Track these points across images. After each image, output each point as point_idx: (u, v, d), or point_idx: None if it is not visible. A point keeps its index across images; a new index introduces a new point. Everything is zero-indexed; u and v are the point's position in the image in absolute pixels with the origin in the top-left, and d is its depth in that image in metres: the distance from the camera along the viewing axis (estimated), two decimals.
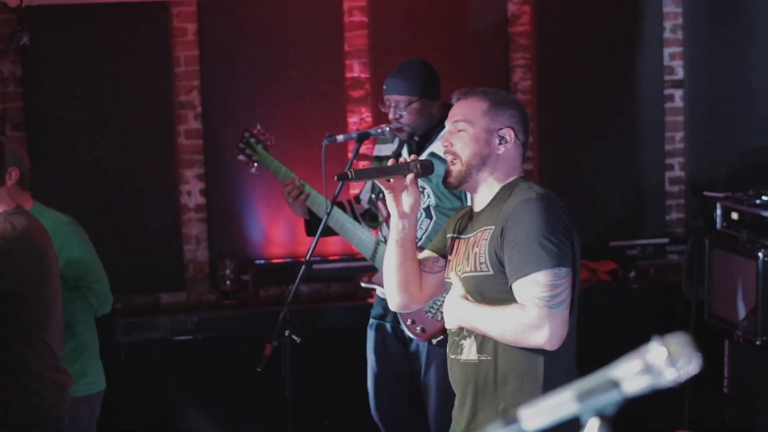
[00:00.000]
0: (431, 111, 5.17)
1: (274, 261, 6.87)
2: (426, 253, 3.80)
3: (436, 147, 5.02)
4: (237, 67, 6.84)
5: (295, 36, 6.88)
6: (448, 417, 5.08)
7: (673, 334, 1.54)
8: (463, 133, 3.55)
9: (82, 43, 6.63)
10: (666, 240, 7.21)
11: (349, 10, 6.96)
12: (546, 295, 3.28)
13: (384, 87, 5.21)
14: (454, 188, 3.63)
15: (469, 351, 3.50)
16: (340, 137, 5.15)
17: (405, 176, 3.58)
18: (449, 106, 5.27)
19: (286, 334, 4.96)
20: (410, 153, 5.20)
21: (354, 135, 5.16)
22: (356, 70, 7.00)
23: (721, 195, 6.38)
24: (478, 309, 3.42)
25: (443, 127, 4.74)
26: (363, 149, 6.52)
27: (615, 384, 1.58)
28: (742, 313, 5.90)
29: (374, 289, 5.43)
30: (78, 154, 6.59)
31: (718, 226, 6.22)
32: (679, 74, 7.40)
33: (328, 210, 5.07)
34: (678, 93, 7.39)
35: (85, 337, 4.75)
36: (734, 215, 6.13)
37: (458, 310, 3.47)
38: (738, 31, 7.31)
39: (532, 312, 3.29)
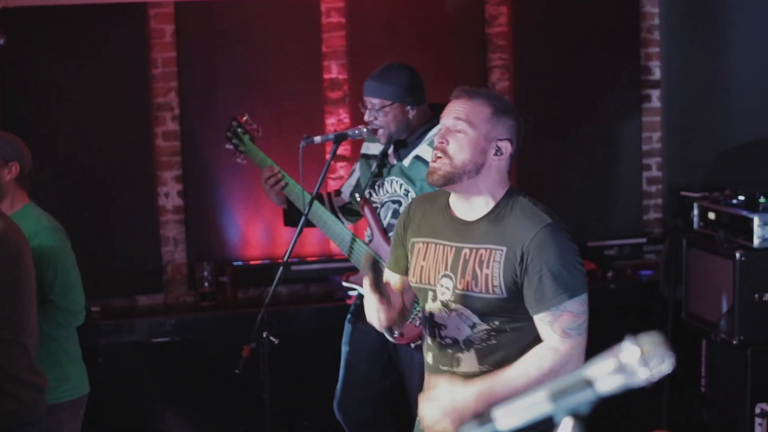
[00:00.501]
0: (407, 116, 5.11)
1: (252, 262, 6.86)
2: (393, 278, 3.73)
3: (422, 150, 5.09)
4: (215, 68, 6.83)
5: (273, 37, 6.87)
6: None
7: (646, 333, 1.54)
8: (462, 135, 3.43)
9: (60, 45, 6.60)
10: (644, 240, 7.23)
11: (327, 12, 6.96)
12: (577, 324, 3.30)
13: (364, 87, 5.18)
14: (439, 187, 3.49)
15: (468, 363, 3.45)
16: (317, 138, 5.15)
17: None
18: (438, 107, 5.28)
19: (264, 335, 4.95)
20: (397, 155, 5.22)
21: (331, 136, 5.16)
22: (334, 71, 7.00)
23: (698, 195, 6.41)
24: (496, 379, 3.30)
25: (428, 129, 5.09)
26: (341, 150, 6.56)
27: (588, 383, 1.58)
28: (719, 312, 5.92)
29: (354, 289, 5.44)
30: (55, 155, 6.57)
31: (696, 225, 6.25)
32: (656, 74, 7.42)
33: (308, 204, 5.08)
34: (655, 93, 7.41)
35: (65, 341, 4.69)
36: (711, 215, 6.15)
37: (470, 400, 3.27)
38: (715, 32, 7.33)
39: (566, 345, 3.30)
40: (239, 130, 5.52)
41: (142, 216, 6.80)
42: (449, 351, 3.49)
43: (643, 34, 7.37)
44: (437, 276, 3.50)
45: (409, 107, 5.10)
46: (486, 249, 3.39)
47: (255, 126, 5.55)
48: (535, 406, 1.61)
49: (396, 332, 5.04)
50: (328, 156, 5.19)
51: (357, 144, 6.62)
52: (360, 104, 5.24)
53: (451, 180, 3.43)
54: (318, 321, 6.58)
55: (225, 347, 5.75)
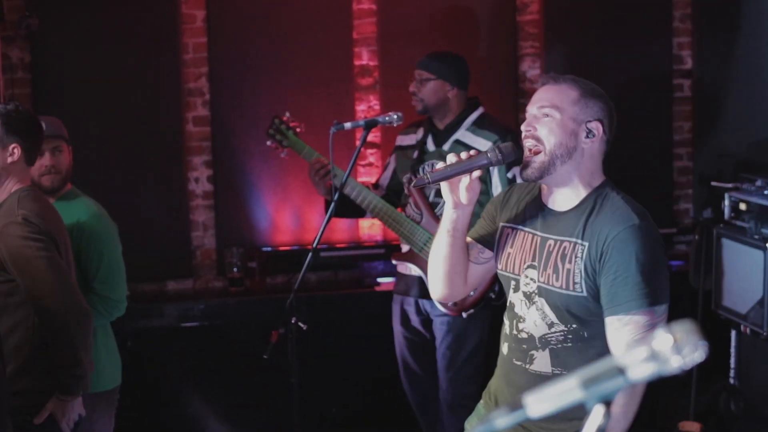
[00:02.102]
0: (446, 95, 5.53)
1: (281, 248, 6.88)
2: (468, 241, 3.58)
3: (461, 134, 5.56)
4: (245, 54, 6.84)
5: (304, 23, 6.87)
6: (459, 385, 5.12)
7: (679, 321, 1.54)
8: (549, 119, 3.31)
9: (91, 30, 6.62)
10: (674, 230, 7.20)
11: None
12: (643, 338, 3.00)
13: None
14: (534, 180, 3.38)
15: (541, 362, 3.36)
16: (347, 125, 5.18)
17: (477, 170, 3.32)
18: (473, 100, 5.60)
19: (293, 321, 4.97)
20: (435, 142, 5.62)
21: (362, 123, 5.19)
22: (365, 57, 6.99)
23: (729, 185, 6.37)
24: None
25: (465, 117, 5.53)
26: (371, 137, 6.57)
27: (621, 371, 1.57)
28: (749, 304, 5.89)
29: (398, 265, 5.75)
30: (86, 140, 6.58)
31: (726, 216, 6.21)
32: (688, 64, 7.39)
33: (344, 181, 5.21)
34: (686, 83, 7.38)
35: (101, 332, 4.64)
36: (742, 206, 6.11)
37: None
38: (747, 21, 7.29)
39: None
40: (282, 126, 5.68)
41: (172, 201, 6.82)
42: (524, 346, 3.40)
43: (675, 23, 7.34)
44: (522, 266, 3.41)
45: (449, 87, 5.52)
46: (570, 242, 3.29)
47: (298, 123, 5.69)
48: (567, 392, 1.60)
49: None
50: (358, 143, 5.21)
51: (387, 131, 6.64)
52: (409, 79, 5.62)
53: (546, 170, 3.30)
54: (346, 307, 6.59)
55: (253, 333, 5.77)
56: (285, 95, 6.74)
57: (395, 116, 5.13)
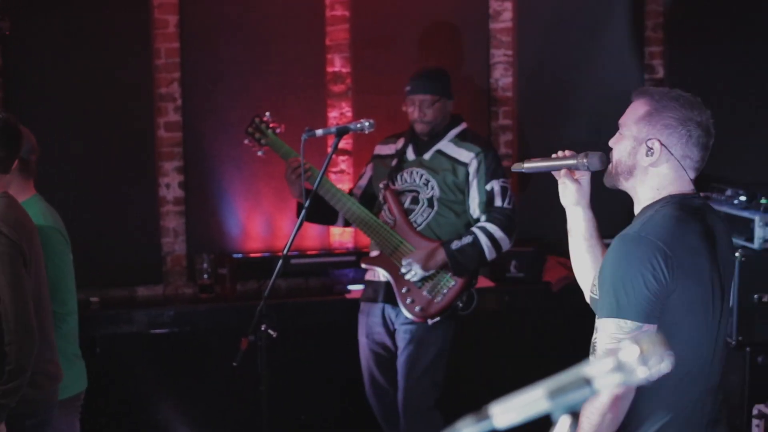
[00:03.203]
0: (448, 110, 5.67)
1: (252, 255, 6.86)
2: None
3: (444, 145, 5.64)
4: (218, 59, 6.82)
5: (277, 29, 6.86)
6: (417, 394, 5.11)
7: (646, 333, 1.53)
8: (619, 135, 3.37)
9: (63, 34, 6.59)
10: None
11: (331, 4, 6.95)
12: (605, 343, 3.10)
13: (408, 89, 5.64)
14: (610, 187, 3.43)
15: None
16: (319, 131, 5.19)
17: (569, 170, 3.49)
18: (456, 117, 5.68)
19: (263, 328, 4.95)
20: (416, 151, 5.69)
21: (333, 130, 5.20)
22: (337, 64, 6.99)
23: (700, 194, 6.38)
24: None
25: (450, 129, 5.64)
26: (342, 144, 6.58)
27: (587, 382, 1.57)
28: None
29: (367, 272, 5.79)
30: (57, 144, 6.54)
31: None
32: (660, 73, 7.41)
33: (318, 182, 5.19)
34: None
35: (58, 340, 4.60)
36: None
37: None
38: (718, 31, 7.32)
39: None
40: (262, 125, 5.71)
41: (142, 207, 6.79)
42: (590, 354, 3.35)
43: (647, 32, 7.36)
44: None
45: (448, 101, 5.66)
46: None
47: (277, 123, 5.73)
48: (533, 403, 1.60)
49: (417, 308, 5.30)
50: (329, 149, 5.21)
51: (359, 138, 6.64)
52: (404, 105, 5.68)
53: (614, 183, 3.38)
54: (317, 314, 6.58)
55: (223, 339, 5.76)
56: (257, 101, 6.73)
57: (367, 123, 5.14)
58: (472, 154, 5.56)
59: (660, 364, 1.52)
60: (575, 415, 1.59)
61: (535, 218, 6.85)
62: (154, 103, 6.77)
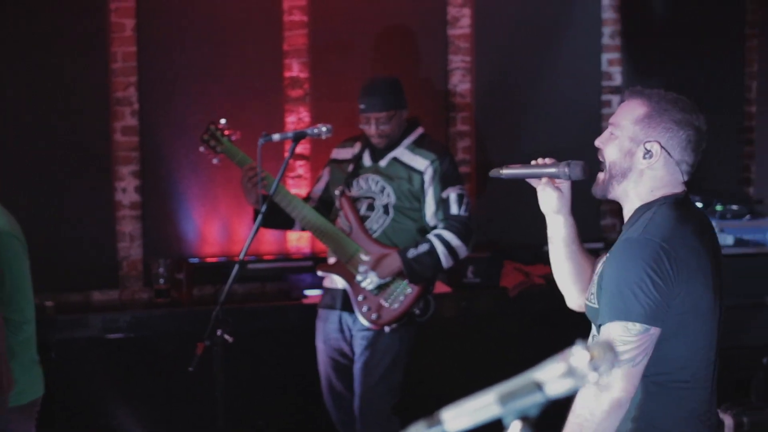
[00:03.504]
0: (403, 120, 5.63)
1: (209, 260, 6.83)
2: None
3: (400, 153, 5.63)
4: (175, 64, 6.80)
5: (235, 34, 6.85)
6: (373, 401, 5.10)
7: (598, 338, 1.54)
8: (612, 136, 3.28)
9: (18, 37, 6.55)
10: (601, 245, 7.24)
11: (289, 9, 6.94)
12: (618, 350, 2.99)
13: (362, 106, 5.59)
14: (600, 197, 3.37)
15: None
16: (276, 136, 5.19)
17: (544, 178, 3.43)
18: (413, 121, 5.68)
19: (219, 333, 4.93)
20: (372, 157, 5.68)
21: (290, 134, 5.20)
22: (295, 69, 6.98)
23: None
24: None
25: (406, 135, 5.62)
26: (299, 149, 6.57)
27: (538, 386, 1.57)
28: None
29: (324, 279, 5.77)
30: (12, 148, 6.52)
31: None
32: (617, 80, 7.45)
33: (273, 189, 5.20)
34: (615, 99, 7.44)
35: (13, 346, 4.55)
36: None
37: None
38: (676, 38, 7.37)
39: None
40: (217, 132, 5.66)
41: (98, 211, 6.75)
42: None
43: (604, 39, 7.40)
44: None
45: (403, 111, 5.62)
46: (606, 254, 3.28)
47: (233, 130, 5.68)
48: (484, 408, 1.60)
49: (374, 315, 5.41)
50: (286, 154, 5.21)
51: (317, 143, 6.63)
52: (362, 120, 5.63)
53: (606, 189, 3.30)
54: (273, 319, 6.56)
55: (179, 344, 5.73)
56: (215, 106, 6.71)
57: (324, 128, 5.15)
58: (427, 162, 5.55)
59: (610, 370, 1.52)
60: (526, 419, 1.59)
61: (492, 224, 6.87)
62: (111, 107, 6.74)
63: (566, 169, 3.36)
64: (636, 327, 3.02)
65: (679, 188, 3.25)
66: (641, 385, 3.10)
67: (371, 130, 5.58)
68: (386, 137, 5.59)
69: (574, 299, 3.58)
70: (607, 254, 3.24)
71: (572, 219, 3.50)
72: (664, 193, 3.23)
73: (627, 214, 3.30)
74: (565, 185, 3.45)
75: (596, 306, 3.18)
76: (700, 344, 3.17)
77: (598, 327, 3.16)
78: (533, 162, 3.48)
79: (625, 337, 3.01)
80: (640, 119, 3.24)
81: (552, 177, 3.42)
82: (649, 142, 3.21)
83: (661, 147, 3.20)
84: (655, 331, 3.03)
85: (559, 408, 2.26)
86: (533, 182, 3.50)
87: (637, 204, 3.26)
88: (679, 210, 3.19)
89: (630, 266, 3.07)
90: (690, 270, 3.09)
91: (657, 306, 3.03)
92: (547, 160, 3.45)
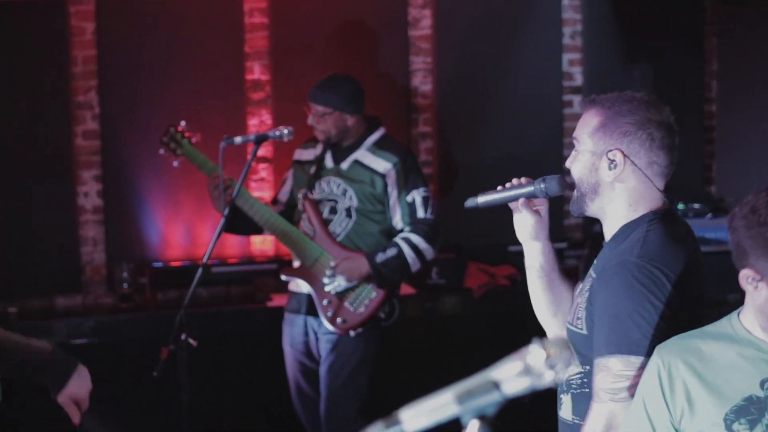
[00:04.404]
0: (346, 123, 5.52)
1: (172, 264, 6.81)
2: None
3: (361, 155, 5.59)
4: (136, 67, 6.77)
5: (196, 37, 6.83)
6: (338, 405, 5.09)
7: (553, 336, 1.55)
8: (576, 152, 3.11)
9: None
10: (564, 245, 7.27)
11: (250, 12, 6.93)
12: (613, 388, 2.81)
13: (308, 95, 5.55)
14: (579, 215, 3.20)
15: (566, 409, 3.10)
16: (237, 139, 5.19)
17: (521, 199, 3.22)
18: (374, 120, 5.65)
19: (183, 337, 4.93)
20: (334, 159, 5.64)
21: (252, 137, 5.20)
22: (256, 72, 6.97)
23: None
24: None
25: (366, 137, 5.58)
26: (262, 152, 6.56)
27: (495, 385, 1.58)
28: None
29: (290, 282, 5.72)
30: None
31: None
32: (578, 80, 7.47)
33: (235, 193, 5.24)
34: (576, 99, 7.46)
35: None
36: None
37: None
38: (636, 38, 7.41)
39: (593, 409, 2.87)
40: (177, 135, 5.64)
41: (60, 216, 6.72)
42: (558, 389, 3.16)
43: (565, 40, 7.42)
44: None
45: (348, 115, 5.51)
46: (588, 276, 3.07)
47: (193, 133, 5.67)
48: (442, 408, 1.60)
49: (339, 319, 5.42)
50: (249, 157, 5.20)
51: (279, 146, 6.63)
52: (305, 108, 5.57)
53: (580, 207, 3.12)
54: (238, 323, 6.54)
55: (144, 349, 5.70)
56: (177, 109, 6.69)
57: (286, 131, 5.16)
58: (389, 165, 5.52)
59: (567, 368, 1.53)
60: (484, 418, 1.60)
61: (456, 224, 6.87)
62: (72, 112, 6.71)
63: (542, 186, 3.16)
64: (639, 360, 2.79)
65: (659, 200, 3.04)
66: None
67: (310, 120, 5.55)
68: (322, 133, 5.53)
69: (554, 331, 3.31)
70: (593, 275, 3.03)
71: (550, 245, 3.30)
72: (646, 209, 3.02)
73: (608, 232, 3.09)
74: (544, 208, 3.26)
75: (584, 332, 2.97)
76: None
77: (585, 356, 2.99)
78: (507, 184, 3.26)
79: (627, 371, 2.80)
80: (596, 129, 3.05)
81: (529, 197, 3.21)
82: (611, 151, 3.00)
83: (623, 154, 2.99)
84: (644, 362, 2.79)
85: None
86: (513, 206, 3.29)
87: (619, 222, 3.05)
88: (670, 227, 2.99)
89: (630, 293, 2.84)
90: (692, 290, 2.92)
91: (661, 335, 2.79)
92: (522, 180, 3.24)
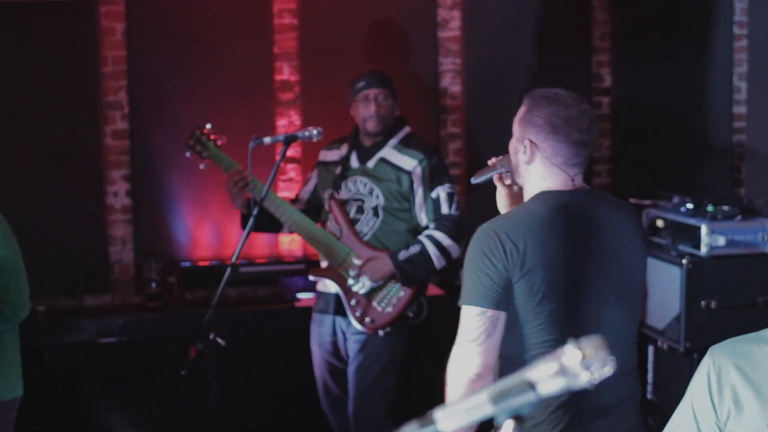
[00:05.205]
0: (394, 114, 5.64)
1: (201, 263, 6.83)
2: None
3: (387, 153, 5.59)
4: (165, 67, 6.79)
5: (225, 37, 6.84)
6: (366, 405, 5.13)
7: (588, 337, 1.54)
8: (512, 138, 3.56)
9: (7, 41, 6.54)
10: None
11: (279, 13, 6.94)
12: (462, 331, 3.33)
13: (361, 84, 5.58)
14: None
15: None
16: (267, 139, 5.20)
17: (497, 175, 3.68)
18: (400, 119, 5.70)
19: (211, 336, 4.94)
20: (359, 159, 5.64)
21: (281, 137, 5.21)
22: (285, 72, 6.98)
23: (647, 202, 6.43)
24: None
25: (393, 134, 5.59)
26: (290, 152, 6.57)
27: (531, 385, 1.58)
28: (666, 320, 5.95)
29: (317, 283, 5.74)
30: (3, 153, 6.51)
31: None
32: (607, 82, 7.45)
33: (263, 194, 5.26)
34: (605, 100, 7.44)
35: (8, 340, 4.62)
36: (659, 222, 6.18)
37: None
38: (665, 40, 7.38)
39: (455, 349, 3.37)
40: (203, 138, 5.67)
41: (89, 215, 6.74)
42: None
43: (594, 41, 7.41)
44: None
45: (397, 104, 5.65)
46: None
47: (218, 135, 5.69)
48: (477, 408, 1.60)
49: (367, 319, 5.40)
50: (277, 157, 5.21)
51: (307, 146, 6.63)
52: (352, 106, 5.64)
53: (514, 180, 3.58)
54: (265, 323, 6.56)
55: (172, 348, 5.73)
56: (205, 109, 6.70)
57: (315, 131, 5.16)
58: (415, 162, 5.53)
59: (602, 369, 1.52)
60: (518, 419, 1.60)
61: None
62: (101, 112, 6.74)
63: (503, 161, 3.62)
64: (475, 310, 3.28)
65: (563, 184, 3.42)
66: (499, 364, 3.37)
67: (370, 108, 5.54)
68: (382, 120, 5.55)
69: None
70: None
71: None
72: (542, 188, 3.42)
73: None
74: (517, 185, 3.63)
75: None
76: (543, 333, 3.33)
77: None
78: (489, 162, 3.74)
79: (468, 319, 3.29)
80: (519, 119, 3.47)
81: (501, 174, 3.66)
82: (526, 139, 3.42)
83: (531, 142, 3.40)
84: (493, 314, 3.27)
85: None
86: (496, 182, 3.72)
87: (528, 198, 3.49)
88: (542, 204, 3.37)
89: (472, 254, 3.34)
90: (533, 261, 3.28)
91: (491, 291, 3.27)
92: (494, 159, 3.71)
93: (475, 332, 3.29)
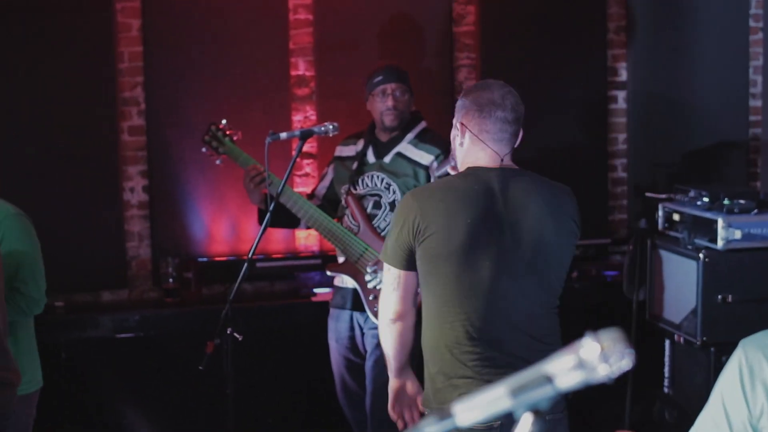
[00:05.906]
0: (410, 108, 5.68)
1: (217, 259, 6.84)
2: None
3: (403, 147, 5.60)
4: (181, 63, 6.80)
5: (240, 33, 6.85)
6: (385, 397, 5.15)
7: (606, 330, 1.54)
8: None
9: (24, 37, 6.56)
10: (608, 240, 7.25)
11: (294, 8, 6.94)
12: (381, 286, 4.05)
13: (379, 78, 5.61)
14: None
15: None
16: (283, 135, 5.19)
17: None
18: (416, 115, 5.73)
19: (228, 331, 4.94)
20: (375, 154, 5.64)
21: (297, 133, 5.20)
22: (301, 68, 6.98)
23: (663, 196, 6.42)
24: None
25: (410, 129, 5.62)
26: (307, 147, 6.58)
27: (549, 379, 1.58)
28: (682, 313, 5.94)
29: (335, 278, 5.75)
30: (19, 148, 6.53)
31: (660, 226, 6.26)
32: (623, 76, 7.44)
33: (280, 190, 5.21)
34: (621, 94, 7.44)
35: (20, 333, 4.64)
36: (676, 216, 6.17)
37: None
38: (681, 34, 7.37)
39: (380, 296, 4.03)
40: (219, 133, 5.67)
41: (106, 211, 6.76)
42: None
43: (609, 35, 7.40)
44: None
45: (413, 99, 5.70)
46: None
47: (234, 130, 5.70)
48: (495, 401, 1.61)
49: None
50: (294, 153, 5.21)
51: (324, 141, 6.64)
52: (369, 101, 5.67)
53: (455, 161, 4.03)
54: (282, 318, 6.57)
55: (189, 343, 5.74)
56: (221, 105, 6.72)
57: (331, 126, 5.15)
58: (431, 157, 5.53)
59: (621, 362, 1.52)
60: (537, 412, 1.60)
61: None
62: (118, 107, 6.75)
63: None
64: (391, 270, 3.88)
65: (489, 161, 3.82)
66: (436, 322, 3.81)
67: (387, 102, 5.56)
68: (400, 114, 5.57)
69: None
70: None
71: None
72: (469, 165, 3.84)
73: None
74: None
75: None
76: (448, 288, 3.73)
77: None
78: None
79: (386, 276, 3.90)
80: (456, 107, 3.91)
81: (453, 165, 4.09)
82: (459, 122, 3.87)
83: (462, 124, 3.85)
84: (396, 272, 3.86)
85: None
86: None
87: None
88: (462, 177, 3.82)
89: (393, 216, 3.92)
90: (435, 227, 3.70)
91: (394, 251, 3.83)
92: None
93: (386, 285, 3.92)
